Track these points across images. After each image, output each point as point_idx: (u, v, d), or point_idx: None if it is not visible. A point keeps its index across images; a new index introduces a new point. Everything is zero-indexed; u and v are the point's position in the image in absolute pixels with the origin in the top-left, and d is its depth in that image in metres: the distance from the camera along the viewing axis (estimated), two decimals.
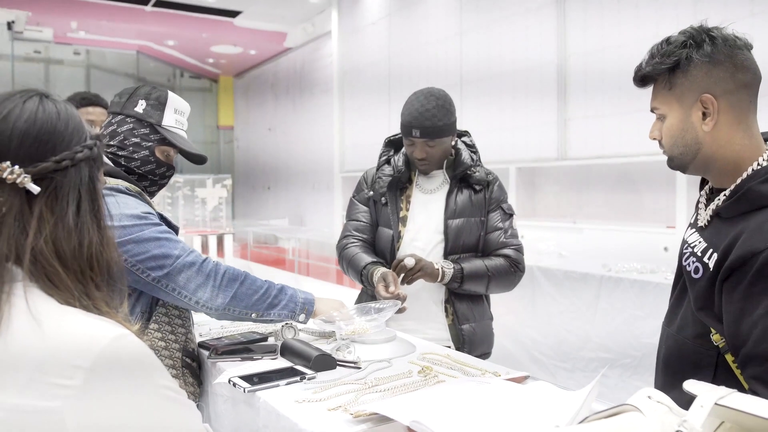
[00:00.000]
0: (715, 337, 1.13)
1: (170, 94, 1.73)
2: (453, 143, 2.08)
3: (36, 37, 11.93)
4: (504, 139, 6.39)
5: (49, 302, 0.74)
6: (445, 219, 2.04)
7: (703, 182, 1.27)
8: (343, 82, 9.75)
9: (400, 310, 1.90)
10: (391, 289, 1.85)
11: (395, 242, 2.07)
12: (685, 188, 4.58)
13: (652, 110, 1.23)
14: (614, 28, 5.28)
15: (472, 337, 2.04)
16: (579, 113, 5.75)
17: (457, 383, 1.28)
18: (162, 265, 1.45)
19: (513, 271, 2.05)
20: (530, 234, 5.51)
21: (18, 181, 0.75)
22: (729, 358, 1.12)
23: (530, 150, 6.19)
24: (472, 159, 2.09)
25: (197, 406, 1.42)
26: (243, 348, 1.59)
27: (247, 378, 1.34)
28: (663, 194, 5.03)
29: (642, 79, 1.22)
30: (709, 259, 1.13)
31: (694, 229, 1.24)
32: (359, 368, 1.44)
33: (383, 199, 2.10)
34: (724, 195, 1.15)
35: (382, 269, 1.96)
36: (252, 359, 1.52)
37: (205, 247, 6.66)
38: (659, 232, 4.81)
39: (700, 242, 1.18)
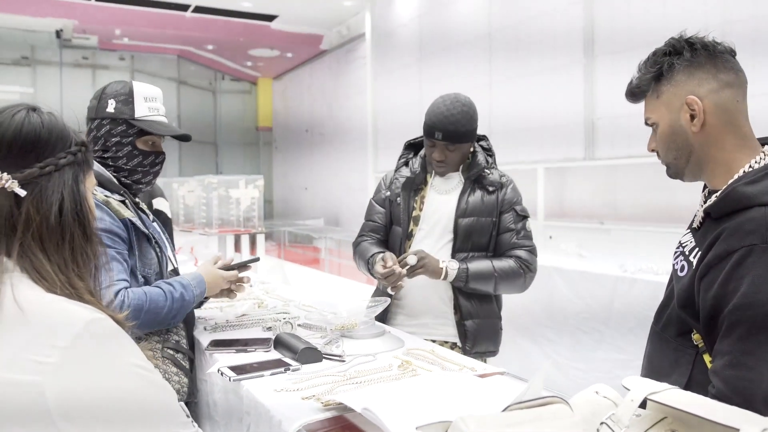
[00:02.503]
0: (696, 337, 1.15)
1: (135, 84, 1.76)
2: (471, 149, 2.14)
3: (83, 44, 12.45)
4: (532, 139, 6.37)
5: (36, 290, 0.85)
6: (455, 218, 2.09)
7: (706, 186, 1.29)
8: (377, 83, 9.84)
9: (396, 288, 1.98)
10: (389, 263, 1.94)
11: (404, 240, 2.14)
12: None
13: (645, 122, 1.27)
14: (642, 26, 5.21)
15: (475, 333, 2.08)
16: (606, 112, 5.69)
17: (429, 376, 1.35)
18: None
19: (522, 272, 2.06)
20: (558, 235, 5.48)
21: (6, 186, 0.86)
22: (707, 358, 1.14)
23: (558, 150, 6.15)
24: (487, 161, 2.15)
25: (189, 403, 1.51)
26: (239, 340, 1.69)
27: (236, 368, 1.44)
28: (691, 194, 4.93)
29: (632, 93, 1.27)
30: (694, 257, 1.15)
31: (689, 230, 1.27)
32: (343, 361, 1.51)
33: (398, 199, 2.18)
34: (715, 196, 1.18)
35: (383, 254, 2.04)
36: (246, 351, 1.62)
37: (237, 246, 6.78)
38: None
39: (690, 242, 1.21)
